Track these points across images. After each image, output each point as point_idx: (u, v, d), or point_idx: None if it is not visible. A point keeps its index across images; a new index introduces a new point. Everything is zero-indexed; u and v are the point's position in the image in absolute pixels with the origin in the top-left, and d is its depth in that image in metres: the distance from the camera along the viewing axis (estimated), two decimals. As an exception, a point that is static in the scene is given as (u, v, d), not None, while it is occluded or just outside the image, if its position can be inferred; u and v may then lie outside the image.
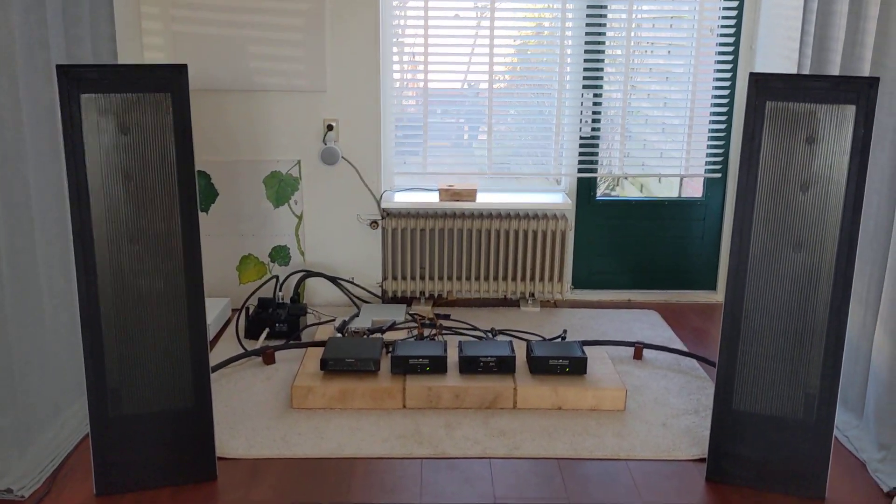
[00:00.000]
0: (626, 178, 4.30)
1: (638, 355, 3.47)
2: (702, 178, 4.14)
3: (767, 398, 2.50)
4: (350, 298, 3.95)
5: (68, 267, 2.84)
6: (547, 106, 3.95)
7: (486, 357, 3.09)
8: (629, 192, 4.75)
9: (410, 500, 2.43)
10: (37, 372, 2.64)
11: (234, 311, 3.93)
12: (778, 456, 2.51)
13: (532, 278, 4.02)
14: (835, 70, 3.06)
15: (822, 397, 2.45)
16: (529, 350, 3.17)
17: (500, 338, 3.55)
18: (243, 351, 3.38)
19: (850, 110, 2.32)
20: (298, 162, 3.87)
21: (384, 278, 4.01)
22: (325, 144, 3.84)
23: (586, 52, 3.90)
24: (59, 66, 2.22)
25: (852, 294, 2.91)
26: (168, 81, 2.31)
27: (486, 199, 3.93)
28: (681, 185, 4.36)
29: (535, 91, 3.94)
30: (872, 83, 2.29)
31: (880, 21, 2.73)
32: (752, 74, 2.38)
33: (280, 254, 3.97)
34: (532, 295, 4.04)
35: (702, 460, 2.68)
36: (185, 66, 2.31)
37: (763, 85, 2.37)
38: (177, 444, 2.48)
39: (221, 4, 3.65)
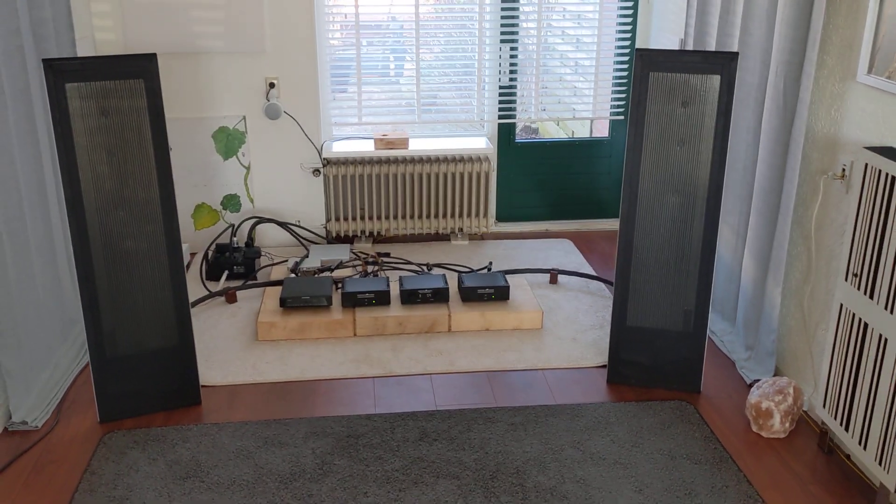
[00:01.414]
0: (538, 123, 4.77)
1: (553, 280, 4.02)
2: (607, 120, 4.64)
3: (654, 315, 3.07)
4: (298, 240, 4.38)
5: (49, 230, 3.20)
6: (469, 60, 4.37)
7: (424, 289, 3.59)
8: (552, 131, 5.23)
9: (366, 411, 2.95)
10: (32, 321, 3.02)
11: (192, 254, 4.32)
12: (663, 360, 3.10)
13: (460, 215, 4.50)
14: (714, 21, 3.55)
15: (697, 312, 3.03)
16: (460, 281, 3.68)
17: (434, 271, 4.05)
18: (208, 292, 3.80)
19: (716, 79, 2.83)
20: (244, 117, 4.22)
21: (328, 220, 4.44)
22: (268, 101, 4.19)
23: (503, 8, 4.30)
24: (44, 60, 2.55)
25: (728, 225, 3.49)
26: (141, 69, 2.66)
27: (417, 145, 4.37)
28: (591, 126, 4.86)
29: (456, 40, 4.35)
30: (733, 57, 2.80)
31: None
32: (637, 50, 2.86)
33: (231, 202, 4.35)
34: (461, 229, 4.53)
35: (604, 366, 3.26)
36: (154, 55, 2.66)
37: (647, 59, 2.86)
38: (166, 376, 2.93)
39: (164, -27, 3.91)
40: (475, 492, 2.53)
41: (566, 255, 4.40)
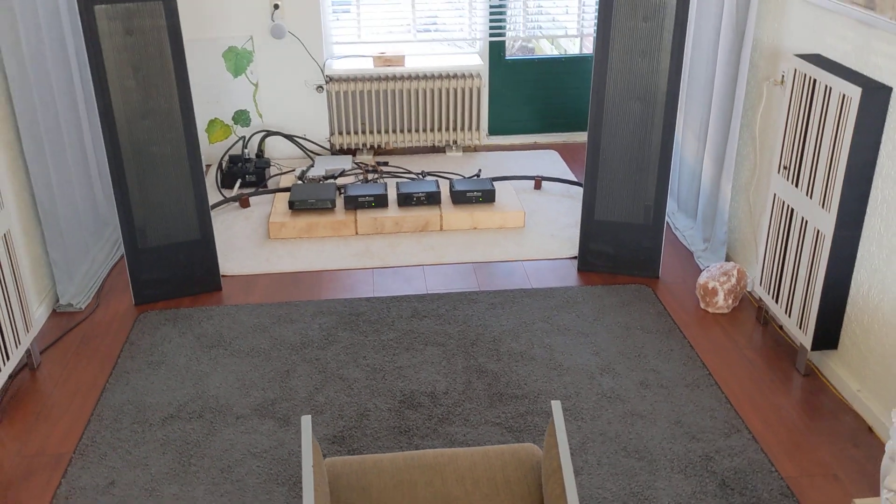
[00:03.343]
0: (534, 42, 5.08)
1: (538, 186, 4.41)
2: (592, 37, 4.94)
3: (618, 210, 3.46)
4: (304, 152, 4.77)
5: (82, 141, 3.59)
6: (460, -20, 4.67)
7: (418, 193, 3.98)
8: (546, 49, 5.52)
9: (366, 294, 3.39)
10: (71, 220, 3.44)
11: (207, 166, 4.72)
12: (626, 250, 3.51)
13: (454, 128, 4.86)
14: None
15: (656, 207, 3.42)
16: (451, 186, 4.07)
17: (428, 178, 4.44)
18: (224, 198, 4.21)
19: (673, -4, 3.15)
20: (251, 38, 4.56)
21: (331, 133, 4.81)
22: (274, 21, 4.52)
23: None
24: (76, -15, 2.90)
25: (691, 131, 3.85)
26: (160, -8, 3.01)
27: (414, 63, 4.70)
28: (581, 43, 5.16)
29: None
30: (687, -25, 3.11)
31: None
32: (602, -30, 3.17)
33: (242, 117, 4.73)
34: (455, 142, 4.90)
35: (576, 257, 3.67)
36: (171, -20, 3.01)
37: (611, -23, 3.17)
38: (190, 266, 3.37)
39: None
40: (457, 355, 2.98)
41: (552, 164, 4.76)
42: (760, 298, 3.15)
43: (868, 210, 2.60)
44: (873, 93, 2.45)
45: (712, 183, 3.61)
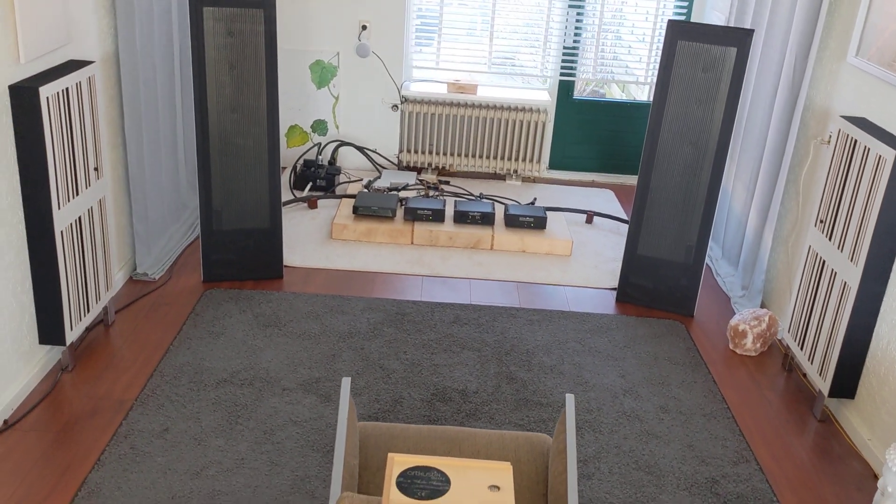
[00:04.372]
0: (605, 87, 5.31)
1: (589, 220, 4.60)
2: (659, 86, 5.14)
3: (661, 247, 3.64)
4: (373, 164, 5.06)
5: (174, 130, 3.93)
6: (538, 21, 4.93)
7: (474, 212, 4.22)
8: (616, 94, 5.74)
9: (414, 298, 3.62)
10: (156, 198, 3.76)
11: (283, 168, 5.04)
12: (665, 286, 3.67)
13: (516, 158, 5.10)
14: (752, 2, 4.02)
15: (697, 248, 3.59)
16: (506, 209, 4.30)
17: (485, 200, 4.68)
18: (294, 197, 4.51)
19: (733, 51, 3.35)
20: (338, 53, 4.89)
21: (400, 150, 5.10)
22: (360, 41, 4.84)
23: (573, -23, 4.84)
24: (190, -13, 3.24)
25: (741, 182, 4.01)
26: (262, 0, 3.33)
27: (485, 93, 4.97)
28: (650, 90, 5.36)
29: (528, 3, 4.91)
30: (748, 33, 3.31)
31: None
32: (669, 21, 3.39)
33: (320, 126, 5.05)
34: (516, 171, 5.13)
35: (615, 289, 3.85)
36: (274, -9, 3.33)
37: (676, 29, 3.39)
38: (257, 251, 3.65)
39: (283, -77, 4.57)
40: (491, 361, 3.18)
41: (606, 202, 4.96)
42: (788, 346, 3.28)
43: (894, 267, 2.74)
44: (908, 157, 2.60)
45: (755, 233, 3.76)
